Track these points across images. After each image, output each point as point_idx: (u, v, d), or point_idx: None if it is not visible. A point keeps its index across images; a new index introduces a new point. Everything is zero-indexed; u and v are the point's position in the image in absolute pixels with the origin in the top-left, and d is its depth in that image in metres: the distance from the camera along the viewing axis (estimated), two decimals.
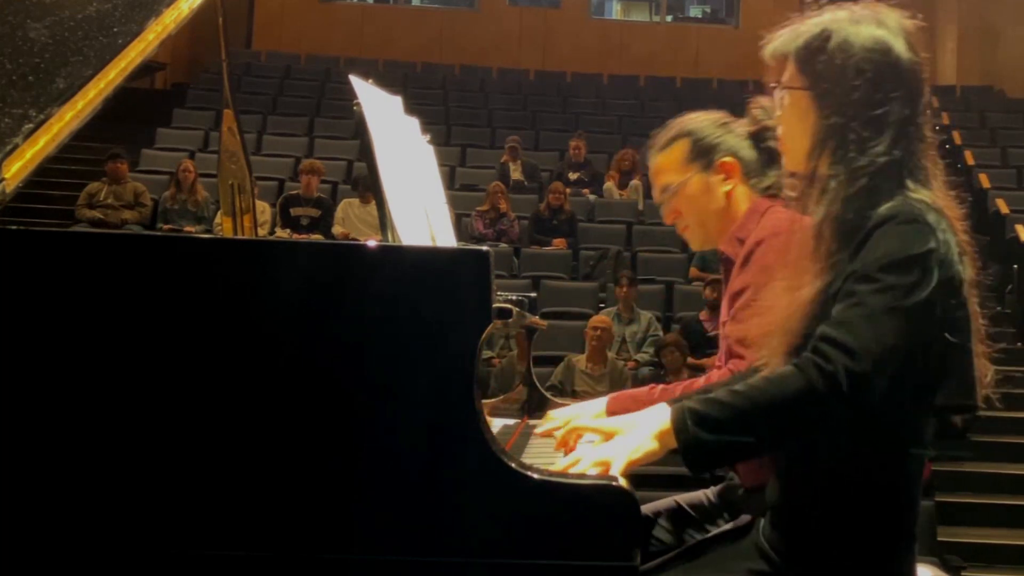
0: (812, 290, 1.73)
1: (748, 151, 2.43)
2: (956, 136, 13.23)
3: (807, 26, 1.84)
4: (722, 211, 2.41)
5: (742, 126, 2.45)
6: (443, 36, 16.46)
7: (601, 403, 2.37)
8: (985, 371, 1.79)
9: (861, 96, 1.77)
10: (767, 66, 1.90)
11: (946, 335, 1.70)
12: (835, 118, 1.78)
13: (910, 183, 1.75)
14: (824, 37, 1.81)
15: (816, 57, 1.80)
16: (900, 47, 1.79)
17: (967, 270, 1.75)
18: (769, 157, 2.38)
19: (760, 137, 2.42)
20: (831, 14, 1.83)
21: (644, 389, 2.41)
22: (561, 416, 2.39)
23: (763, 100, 2.41)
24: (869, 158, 1.75)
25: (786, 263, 1.85)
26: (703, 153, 2.41)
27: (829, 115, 1.78)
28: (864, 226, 1.71)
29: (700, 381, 2.33)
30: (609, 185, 11.62)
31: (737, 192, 2.40)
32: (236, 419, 1.64)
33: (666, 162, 2.46)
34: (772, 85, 1.89)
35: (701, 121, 2.46)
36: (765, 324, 1.80)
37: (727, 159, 2.41)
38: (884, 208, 1.71)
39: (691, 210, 2.44)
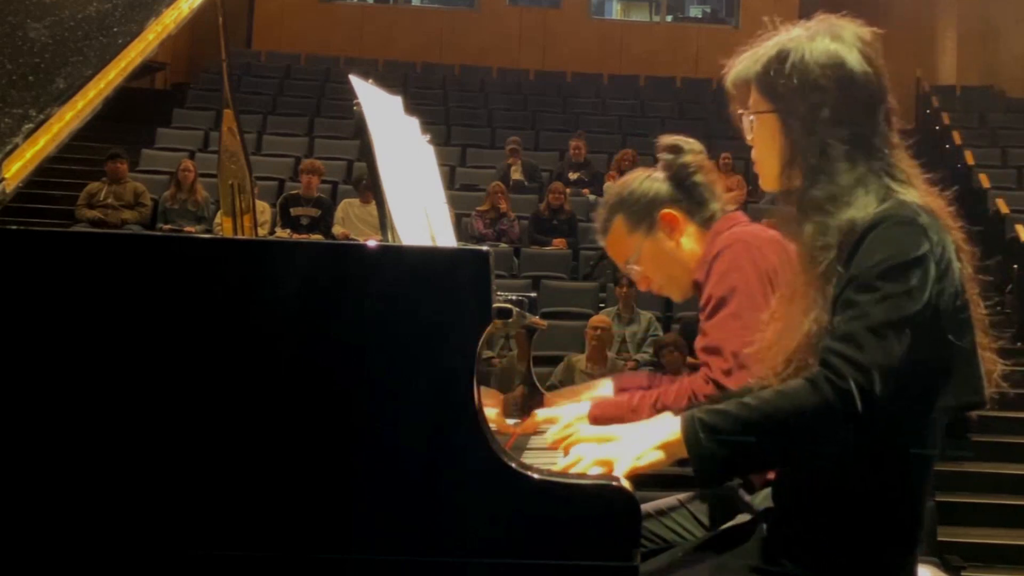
0: (820, 316, 1.72)
1: (678, 193, 2.49)
2: (956, 136, 13.23)
3: (764, 48, 1.85)
4: (685, 259, 2.47)
5: (660, 172, 2.52)
6: (443, 36, 16.47)
7: (584, 408, 2.41)
8: (993, 365, 1.79)
9: (828, 113, 1.78)
10: (730, 96, 1.92)
11: (949, 336, 1.70)
12: (805, 136, 1.79)
13: (894, 184, 1.76)
14: (781, 58, 1.82)
15: (776, 80, 1.82)
16: (854, 59, 1.80)
17: (965, 267, 1.75)
18: (697, 191, 2.48)
19: (680, 176, 2.49)
20: (787, 33, 1.85)
21: (624, 396, 2.43)
22: (545, 415, 2.43)
23: (665, 140, 2.51)
24: (849, 171, 1.76)
25: (782, 282, 1.86)
26: (640, 219, 2.48)
27: (799, 133, 1.80)
28: (854, 232, 1.71)
29: (674, 387, 2.34)
30: (609, 185, 11.61)
31: (688, 234, 2.47)
32: (236, 419, 1.64)
33: (613, 241, 2.55)
34: (739, 112, 1.91)
35: (624, 188, 2.54)
36: (763, 341, 1.81)
37: (665, 211, 2.47)
38: (874, 211, 1.71)
39: (657, 272, 2.52)
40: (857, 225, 1.72)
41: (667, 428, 1.72)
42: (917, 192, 1.77)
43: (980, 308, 1.78)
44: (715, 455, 1.66)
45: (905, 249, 1.67)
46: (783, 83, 1.81)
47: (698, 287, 2.44)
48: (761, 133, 1.87)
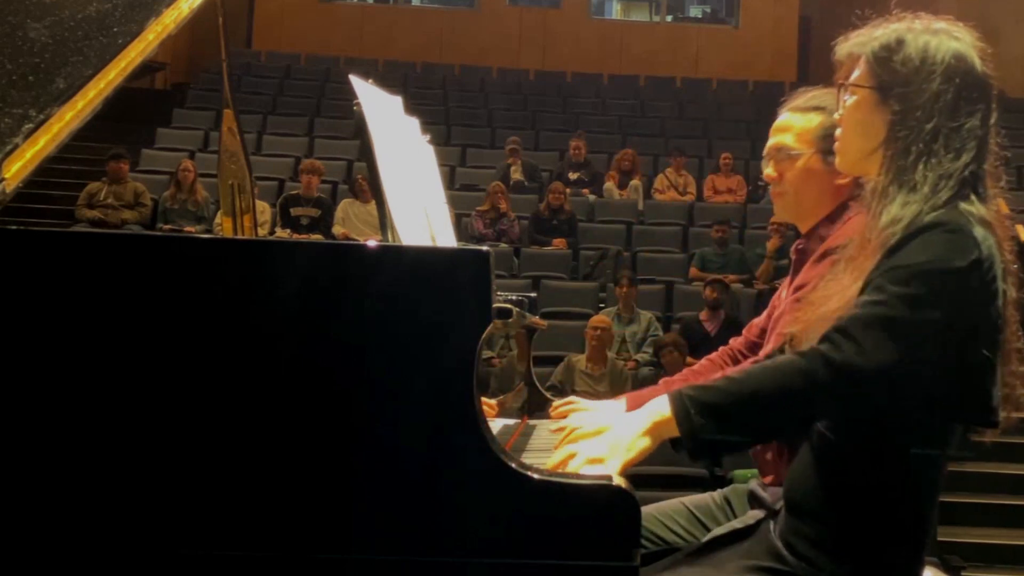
0: (857, 278, 1.73)
1: None
2: None
3: (883, 30, 1.85)
4: (823, 197, 2.32)
5: None
6: (443, 36, 16.46)
7: (620, 406, 2.37)
8: (1013, 391, 1.77)
9: (947, 103, 1.77)
10: (837, 64, 1.90)
11: (975, 346, 1.69)
12: (920, 121, 1.77)
13: (973, 197, 1.75)
14: (900, 41, 1.81)
15: (892, 57, 1.81)
16: (978, 62, 1.81)
17: (1010, 290, 1.74)
18: None
19: None
20: (907, 23, 1.84)
21: (661, 385, 2.40)
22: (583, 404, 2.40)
23: None
24: (957, 165, 1.75)
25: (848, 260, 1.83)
26: (831, 141, 2.21)
27: (911, 118, 1.78)
28: (916, 225, 1.70)
29: (699, 366, 2.32)
30: (609, 185, 11.61)
31: (847, 189, 2.27)
32: (236, 419, 1.64)
33: (796, 125, 2.35)
34: (840, 83, 1.90)
35: None
36: (817, 316, 1.79)
37: None
38: (932, 215, 1.70)
39: (795, 182, 2.34)
40: (914, 222, 1.71)
41: (654, 409, 1.73)
42: (985, 207, 1.75)
43: (1018, 338, 1.77)
44: (706, 428, 1.68)
45: (950, 257, 1.66)
46: (900, 63, 1.80)
47: (800, 253, 2.32)
48: (855, 110, 1.86)
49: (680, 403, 1.70)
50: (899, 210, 1.73)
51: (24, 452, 1.63)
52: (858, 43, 1.87)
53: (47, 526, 1.63)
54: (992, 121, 1.83)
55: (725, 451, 1.76)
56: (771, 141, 2.40)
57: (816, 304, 1.82)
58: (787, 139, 2.36)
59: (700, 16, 18.44)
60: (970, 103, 1.79)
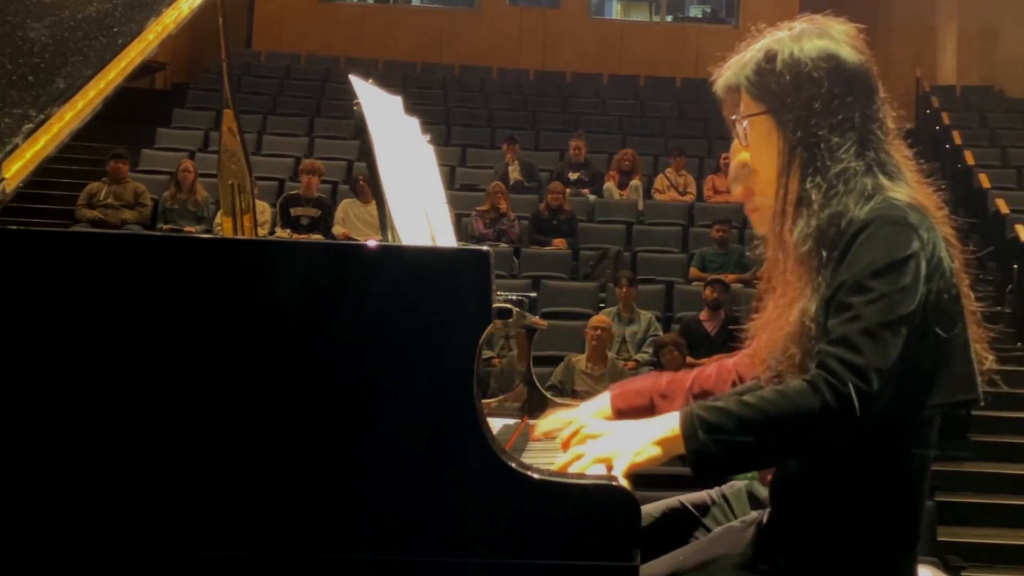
0: (807, 307, 1.73)
1: None
2: (956, 136, 13.22)
3: (751, 52, 1.87)
4: None
5: None
6: (443, 36, 16.46)
7: (604, 399, 2.35)
8: (984, 356, 1.79)
9: (820, 105, 1.79)
10: (722, 101, 1.93)
11: (940, 331, 1.71)
12: (800, 131, 1.80)
13: (884, 180, 1.77)
14: (770, 57, 1.83)
15: (767, 78, 1.83)
16: (846, 52, 1.82)
17: (955, 260, 1.76)
18: None
19: None
20: (772, 36, 1.86)
21: (648, 379, 2.38)
22: (564, 418, 2.37)
23: None
24: (843, 164, 1.77)
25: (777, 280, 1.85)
26: None
27: (793, 130, 1.80)
28: (846, 231, 1.71)
29: (712, 369, 2.31)
30: (609, 185, 11.62)
31: None
32: (236, 419, 1.64)
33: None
34: (732, 118, 1.91)
35: None
36: (762, 342, 1.81)
37: None
38: (864, 211, 1.72)
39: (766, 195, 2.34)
40: (843, 221, 1.72)
41: (666, 424, 1.73)
42: (907, 186, 1.78)
43: (972, 301, 1.80)
44: (713, 453, 1.67)
45: (895, 249, 1.68)
46: (774, 81, 1.82)
47: None
48: (756, 136, 1.88)
49: (689, 422, 1.69)
50: (804, 226, 1.75)
51: (25, 452, 1.63)
52: (732, 73, 1.89)
53: (48, 526, 1.63)
54: (877, 101, 1.83)
55: (730, 474, 1.75)
56: (734, 160, 2.43)
57: (759, 331, 1.83)
58: (750, 155, 2.38)
59: (700, 16, 18.44)
60: (845, 96, 1.80)
